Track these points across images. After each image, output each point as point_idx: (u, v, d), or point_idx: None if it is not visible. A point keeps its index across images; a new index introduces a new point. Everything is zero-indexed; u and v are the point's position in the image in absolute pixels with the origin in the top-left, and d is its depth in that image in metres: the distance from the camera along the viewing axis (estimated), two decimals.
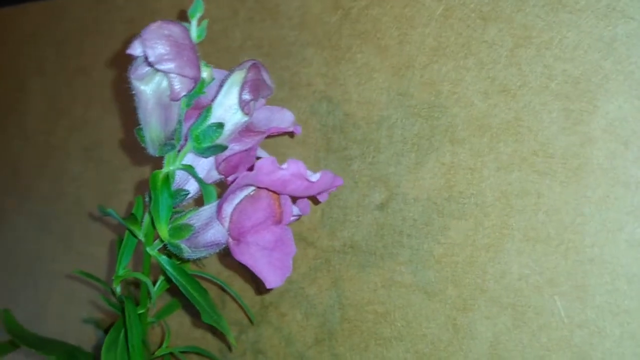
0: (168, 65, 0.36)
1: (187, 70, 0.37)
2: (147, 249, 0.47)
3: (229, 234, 0.43)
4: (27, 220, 0.85)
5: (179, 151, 0.43)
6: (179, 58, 0.36)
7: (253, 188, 0.42)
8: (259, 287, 0.61)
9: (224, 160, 0.47)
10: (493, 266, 0.49)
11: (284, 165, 0.38)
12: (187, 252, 0.45)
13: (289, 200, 0.44)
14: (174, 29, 0.37)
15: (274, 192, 0.42)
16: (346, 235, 0.56)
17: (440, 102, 0.52)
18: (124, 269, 0.51)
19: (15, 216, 0.86)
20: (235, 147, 0.46)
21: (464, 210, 0.51)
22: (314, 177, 0.39)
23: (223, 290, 0.62)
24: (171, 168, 0.43)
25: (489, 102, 0.50)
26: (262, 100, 0.47)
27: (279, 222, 0.43)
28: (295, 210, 0.47)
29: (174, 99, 0.38)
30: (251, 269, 0.41)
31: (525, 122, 0.49)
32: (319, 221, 0.58)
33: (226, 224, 0.43)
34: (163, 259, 0.46)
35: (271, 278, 0.41)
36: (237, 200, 0.42)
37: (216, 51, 0.68)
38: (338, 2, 0.59)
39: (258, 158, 0.56)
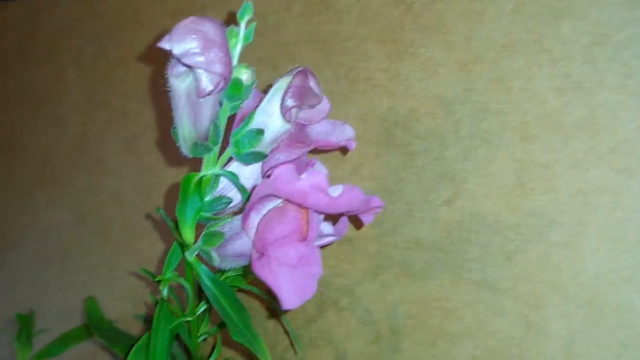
0: (193, 60, 0.35)
1: (215, 66, 0.36)
2: (186, 253, 0.45)
3: (253, 246, 0.41)
4: (62, 213, 0.84)
5: (219, 156, 0.42)
6: (206, 54, 0.35)
7: (282, 200, 0.40)
8: (274, 308, 0.60)
9: (269, 169, 0.45)
10: (568, 264, 0.49)
11: (303, 176, 0.36)
12: (217, 260, 0.44)
13: (317, 217, 0.41)
14: (207, 25, 0.36)
15: (300, 205, 0.40)
16: (410, 231, 0.56)
17: (511, 98, 0.52)
18: (171, 272, 0.50)
19: (49, 209, 0.85)
20: (281, 158, 0.44)
21: (537, 207, 0.50)
22: (336, 191, 0.36)
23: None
24: (209, 172, 0.42)
25: (562, 99, 0.50)
26: (322, 113, 0.47)
27: (304, 238, 0.40)
28: (328, 229, 0.44)
29: (200, 95, 0.37)
30: (269, 285, 0.38)
31: (602, 119, 0.49)
32: (380, 216, 0.58)
33: (252, 235, 0.41)
34: (198, 265, 0.45)
35: (288, 298, 0.37)
36: (264, 211, 0.41)
37: (268, 46, 0.67)
38: None
39: None
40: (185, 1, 0.74)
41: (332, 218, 0.45)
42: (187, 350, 0.57)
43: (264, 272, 0.38)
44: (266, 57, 0.67)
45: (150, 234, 0.76)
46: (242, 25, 0.39)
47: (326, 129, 0.48)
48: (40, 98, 0.88)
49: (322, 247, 0.44)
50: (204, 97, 0.37)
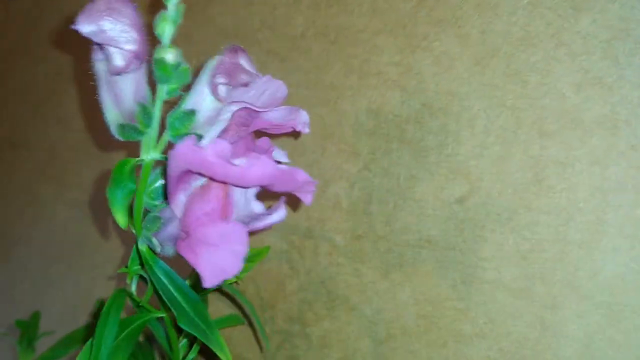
0: (101, 37, 0.36)
1: (123, 43, 0.37)
2: (138, 242, 0.44)
3: (180, 228, 0.40)
4: (67, 209, 0.83)
5: (158, 139, 0.41)
6: (114, 31, 0.37)
7: (205, 178, 0.39)
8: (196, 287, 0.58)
9: None
10: (586, 263, 0.48)
11: (204, 145, 0.35)
12: (158, 247, 0.43)
13: (241, 193, 0.40)
14: (115, 4, 0.37)
15: (212, 178, 0.38)
16: (422, 229, 0.55)
17: (528, 93, 0.51)
18: (137, 264, 0.48)
19: (53, 204, 0.84)
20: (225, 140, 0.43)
21: (554, 205, 0.49)
22: (238, 161, 0.34)
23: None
24: (148, 157, 0.41)
25: (582, 95, 0.49)
26: (278, 99, 0.45)
27: (225, 216, 0.39)
28: (259, 208, 0.42)
29: (112, 71, 0.38)
30: (192, 265, 0.37)
31: (622, 116, 0.47)
32: (391, 213, 0.56)
33: (179, 215, 0.40)
34: (148, 253, 0.43)
35: (208, 276, 0.36)
36: (190, 190, 0.39)
37: (276, 38, 0.66)
38: None
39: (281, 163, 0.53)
40: None
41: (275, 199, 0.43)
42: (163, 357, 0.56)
43: (186, 251, 0.37)
44: (273, 49, 0.66)
45: None
46: (171, 6, 0.38)
47: (282, 114, 0.46)
48: (42, 95, 0.87)
49: (262, 229, 0.41)
50: (117, 74, 0.38)
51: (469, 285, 0.52)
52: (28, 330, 0.66)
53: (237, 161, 0.34)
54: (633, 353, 0.46)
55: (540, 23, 0.51)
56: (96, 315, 0.48)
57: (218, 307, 0.64)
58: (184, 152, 0.35)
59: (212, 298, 0.64)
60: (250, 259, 0.58)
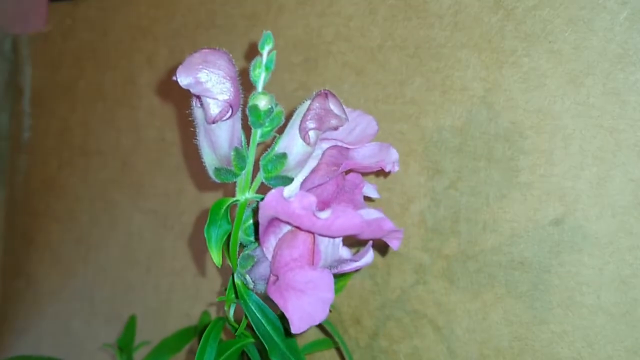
0: (198, 89, 0.39)
1: (218, 93, 0.39)
2: (235, 275, 0.47)
3: (271, 270, 0.41)
4: (143, 216, 0.84)
5: (252, 181, 0.44)
6: (209, 82, 0.39)
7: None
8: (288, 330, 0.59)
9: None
10: None
11: (292, 198, 0.36)
12: (251, 283, 0.45)
13: (328, 241, 0.40)
14: (211, 57, 0.40)
15: (300, 228, 0.39)
16: (514, 250, 0.54)
17: (627, 113, 0.49)
18: (233, 294, 0.50)
19: (129, 211, 0.86)
20: (315, 180, 0.44)
21: None
22: (323, 214, 0.36)
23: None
24: (242, 197, 0.43)
25: None
26: (368, 136, 0.47)
27: (311, 262, 0.40)
28: (347, 254, 0.42)
29: (208, 121, 0.40)
30: (280, 308, 0.38)
31: None
32: (480, 233, 0.56)
33: (269, 257, 0.42)
34: (243, 287, 0.46)
35: (296, 322, 0.38)
36: (281, 234, 0.41)
37: (351, 50, 0.65)
38: (500, 2, 0.56)
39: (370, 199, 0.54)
40: (260, 4, 0.72)
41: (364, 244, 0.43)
42: None
43: (276, 295, 0.39)
44: (348, 61, 0.65)
45: None
46: (264, 54, 0.41)
47: (372, 151, 0.48)
48: (114, 101, 0.88)
49: (348, 273, 0.44)
50: (213, 122, 0.40)
51: (567, 309, 0.52)
52: (125, 338, 0.68)
53: (323, 214, 0.35)
54: None
55: (639, 39, 0.49)
56: (200, 333, 0.50)
57: None
58: (272, 204, 0.37)
59: None
60: (338, 280, 0.59)
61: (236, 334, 0.52)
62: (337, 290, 0.59)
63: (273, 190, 0.37)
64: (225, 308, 0.51)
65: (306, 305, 0.38)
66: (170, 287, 0.81)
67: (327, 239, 0.40)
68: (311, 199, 0.36)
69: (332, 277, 0.39)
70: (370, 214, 0.39)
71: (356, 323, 0.63)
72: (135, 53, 0.85)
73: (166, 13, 0.82)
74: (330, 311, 0.58)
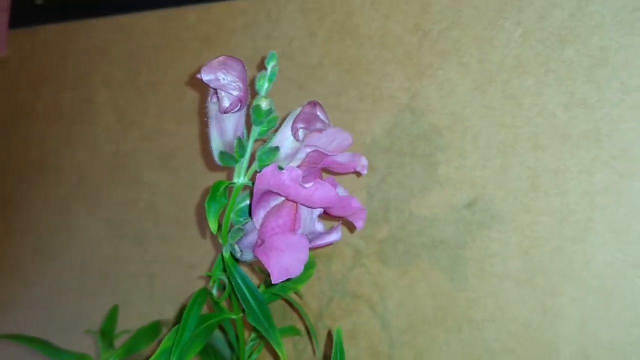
0: (217, 84, 0.48)
1: (231, 90, 0.48)
2: (223, 250, 0.55)
3: (259, 236, 0.50)
4: (99, 226, 0.90)
5: (248, 169, 0.52)
6: (226, 80, 0.48)
7: (283, 198, 0.49)
8: (268, 281, 0.67)
9: None
10: (579, 256, 0.57)
11: (284, 171, 0.46)
12: (239, 253, 0.54)
13: (308, 213, 0.50)
14: (229, 62, 0.49)
15: (287, 198, 0.49)
16: (435, 232, 0.63)
17: (523, 113, 0.60)
18: (220, 270, 0.58)
19: (85, 222, 0.91)
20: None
21: (550, 208, 0.58)
22: (307, 185, 0.45)
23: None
24: (239, 182, 0.52)
25: (569, 114, 0.58)
26: (343, 147, 0.56)
27: (293, 230, 0.49)
28: (321, 228, 0.53)
29: (221, 111, 0.50)
30: (264, 264, 0.47)
31: (604, 131, 0.56)
32: (407, 220, 0.65)
33: (258, 227, 0.50)
34: (230, 261, 0.54)
35: (276, 274, 0.46)
36: (269, 208, 0.50)
37: (295, 67, 0.74)
38: (419, 25, 0.66)
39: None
40: (213, 27, 0.81)
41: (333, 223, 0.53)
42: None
43: (261, 255, 0.47)
44: (292, 78, 0.74)
45: (191, 242, 0.82)
46: (269, 69, 0.51)
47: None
48: (71, 119, 0.94)
49: (323, 246, 0.52)
50: (225, 113, 0.50)
51: (479, 278, 0.61)
52: (107, 326, 0.74)
53: (307, 185, 0.44)
54: (623, 329, 0.55)
55: (531, 54, 0.60)
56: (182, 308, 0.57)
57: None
58: (267, 175, 0.45)
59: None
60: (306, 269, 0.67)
61: (217, 304, 0.58)
62: (307, 278, 0.67)
63: (270, 166, 0.46)
64: (211, 284, 0.58)
65: (285, 262, 0.47)
66: (128, 291, 0.87)
67: (307, 210, 0.50)
68: (298, 172, 0.45)
69: (307, 242, 0.48)
70: (343, 192, 0.51)
71: (304, 306, 0.71)
72: (93, 74, 0.92)
73: (123, 37, 0.90)
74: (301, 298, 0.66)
